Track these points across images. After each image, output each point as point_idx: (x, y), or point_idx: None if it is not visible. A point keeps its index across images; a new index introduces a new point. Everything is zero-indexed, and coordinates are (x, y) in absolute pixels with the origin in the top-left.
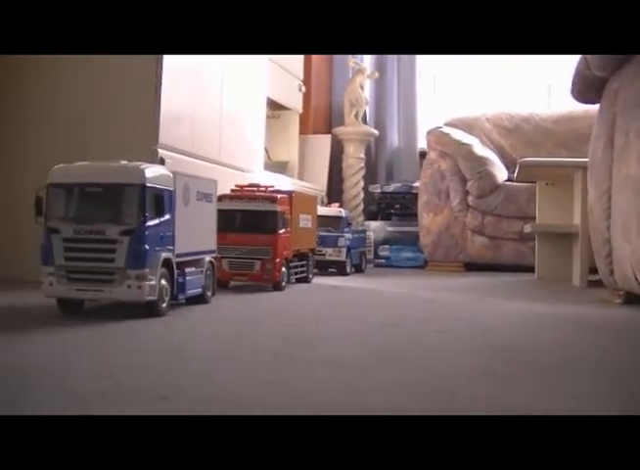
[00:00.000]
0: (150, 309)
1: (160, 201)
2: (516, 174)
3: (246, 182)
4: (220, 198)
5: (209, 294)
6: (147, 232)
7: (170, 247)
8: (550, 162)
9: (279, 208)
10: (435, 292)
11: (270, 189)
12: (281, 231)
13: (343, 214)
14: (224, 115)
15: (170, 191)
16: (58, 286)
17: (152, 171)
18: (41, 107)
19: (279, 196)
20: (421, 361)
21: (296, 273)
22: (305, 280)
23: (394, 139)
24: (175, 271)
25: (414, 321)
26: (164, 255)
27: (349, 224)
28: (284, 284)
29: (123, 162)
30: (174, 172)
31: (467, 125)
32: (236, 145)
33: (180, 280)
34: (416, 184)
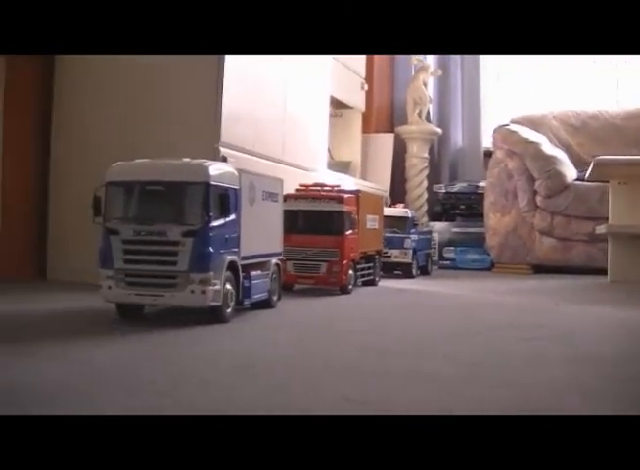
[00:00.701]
0: (214, 315)
1: (224, 200)
2: (589, 173)
3: (309, 182)
4: (285, 198)
5: (275, 298)
6: (211, 233)
7: (235, 249)
8: (629, 160)
9: (346, 208)
10: (508, 295)
11: (336, 188)
12: (348, 232)
13: (410, 215)
14: (287, 114)
15: (236, 190)
16: (116, 290)
17: (216, 169)
18: (102, 107)
19: (346, 195)
20: (511, 375)
21: (362, 276)
22: (372, 283)
23: (458, 138)
24: (240, 275)
25: (494, 328)
26: (229, 257)
27: (415, 225)
28: (350, 287)
29: (186, 159)
30: (239, 170)
31: (533, 123)
32: (299, 144)
33: (246, 284)
34: (482, 184)
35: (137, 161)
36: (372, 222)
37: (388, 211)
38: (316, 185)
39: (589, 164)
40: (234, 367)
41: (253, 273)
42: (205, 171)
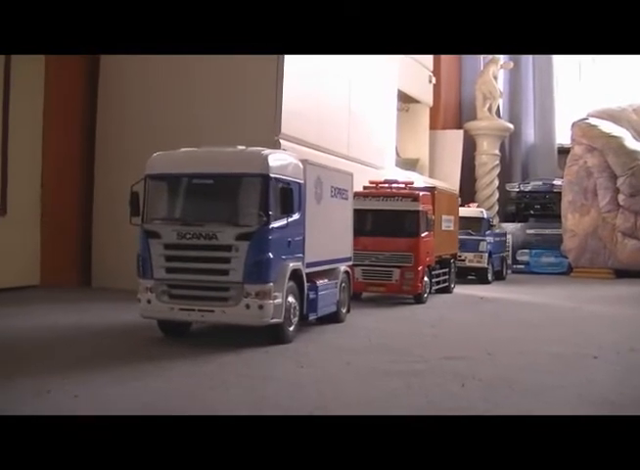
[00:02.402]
0: (273, 335)
1: (287, 196)
2: None
3: (378, 178)
4: (353, 196)
5: (344, 311)
6: (271, 236)
7: (300, 254)
8: None
9: (422, 207)
10: (602, 305)
11: (409, 185)
12: (424, 234)
13: (485, 216)
14: (353, 108)
15: (300, 184)
16: (157, 304)
17: (277, 159)
18: (153, 102)
19: (421, 193)
20: None
21: (437, 283)
22: (447, 290)
23: (530, 134)
24: (305, 285)
25: (609, 350)
26: (293, 264)
27: (491, 226)
28: (426, 296)
29: (240, 147)
30: (304, 161)
31: (612, 117)
32: (366, 139)
33: (311, 296)
34: (557, 182)
35: (182, 149)
36: (447, 223)
37: (461, 212)
38: (386, 182)
39: None
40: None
41: (320, 283)
42: (264, 161)
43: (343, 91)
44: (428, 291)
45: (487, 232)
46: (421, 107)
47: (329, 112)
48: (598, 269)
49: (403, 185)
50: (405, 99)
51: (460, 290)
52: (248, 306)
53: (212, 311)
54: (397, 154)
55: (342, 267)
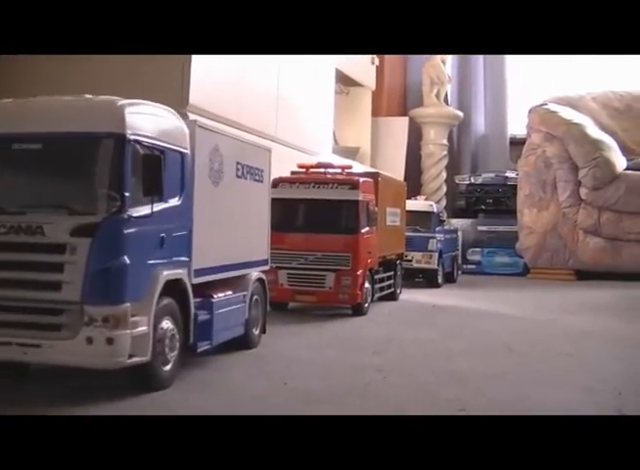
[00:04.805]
0: (138, 379)
1: (155, 169)
2: None
3: (310, 162)
4: (276, 183)
5: (257, 332)
6: (127, 229)
7: (183, 257)
8: None
9: (362, 196)
10: (583, 316)
11: (347, 170)
12: (364, 230)
13: (435, 210)
14: (281, 84)
15: (183, 154)
16: None
17: (140, 112)
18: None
19: (361, 180)
20: None
21: (380, 289)
22: (392, 296)
23: (480, 123)
24: (191, 302)
25: (635, 395)
26: (169, 273)
27: (442, 222)
28: (366, 305)
29: (88, 96)
30: (192, 122)
31: (570, 105)
32: (297, 121)
33: (202, 317)
34: (511, 174)
35: (2, 100)
36: (393, 217)
37: (408, 205)
38: (320, 166)
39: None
40: None
41: (218, 297)
42: (118, 115)
43: (271, 64)
44: (369, 299)
45: (437, 228)
46: (362, 90)
47: (253, 85)
48: (558, 270)
49: (340, 169)
50: (345, 81)
51: (407, 296)
52: (90, 340)
53: (38, 347)
54: (335, 141)
55: (255, 274)
